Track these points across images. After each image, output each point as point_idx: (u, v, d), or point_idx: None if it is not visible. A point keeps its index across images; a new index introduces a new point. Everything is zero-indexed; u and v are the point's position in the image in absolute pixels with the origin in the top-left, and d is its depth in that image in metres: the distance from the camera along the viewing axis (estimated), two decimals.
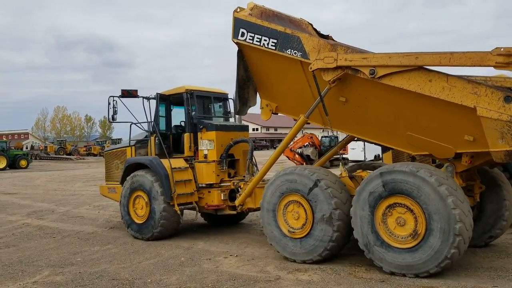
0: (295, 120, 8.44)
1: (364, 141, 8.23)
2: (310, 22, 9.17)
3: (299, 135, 37.25)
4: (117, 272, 7.18)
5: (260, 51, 7.97)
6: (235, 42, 8.34)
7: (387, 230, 6.54)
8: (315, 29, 9.15)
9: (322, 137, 37.75)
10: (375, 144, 8.24)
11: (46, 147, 71.89)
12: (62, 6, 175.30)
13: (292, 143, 36.20)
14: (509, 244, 8.28)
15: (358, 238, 6.76)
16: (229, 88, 10.75)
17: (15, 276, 7.11)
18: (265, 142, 79.00)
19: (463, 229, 5.97)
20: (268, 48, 7.78)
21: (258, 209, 9.32)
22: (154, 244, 9.25)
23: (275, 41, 7.67)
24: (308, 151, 33.23)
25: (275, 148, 66.96)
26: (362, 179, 7.34)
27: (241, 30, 8.12)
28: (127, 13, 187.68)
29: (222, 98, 11.16)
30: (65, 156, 64.79)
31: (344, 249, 7.47)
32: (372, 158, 37.71)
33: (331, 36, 9.06)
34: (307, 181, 7.34)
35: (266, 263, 7.39)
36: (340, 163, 8.19)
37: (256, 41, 7.92)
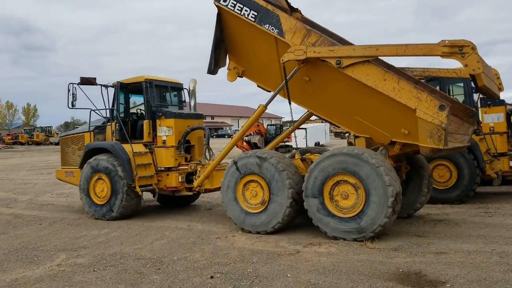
0: (259, 87, 9.27)
1: (319, 117, 9.19)
2: None
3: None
4: (136, 252, 7.30)
5: (238, 19, 8.48)
6: (216, 5, 8.73)
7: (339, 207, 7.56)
8: (286, 1, 9.83)
9: (268, 125, 38.60)
10: (328, 122, 9.22)
11: None
12: None
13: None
14: (481, 217, 9.34)
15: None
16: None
17: (33, 261, 7.00)
18: None
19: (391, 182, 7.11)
20: (247, 18, 8.34)
21: (214, 189, 10.38)
22: (151, 226, 9.37)
23: (256, 14, 8.25)
24: (255, 139, 34.01)
25: (213, 136, 67.33)
26: (312, 161, 8.35)
27: None
28: None
29: (177, 88, 11.80)
30: None
31: None
32: (313, 145, 39.27)
33: (299, 10, 9.82)
34: (252, 160, 8.41)
35: (277, 240, 7.83)
36: (297, 152, 9.16)
37: (238, 9, 8.43)
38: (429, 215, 9.64)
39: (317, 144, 41.02)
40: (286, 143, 35.52)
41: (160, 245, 7.75)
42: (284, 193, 7.97)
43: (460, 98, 11.43)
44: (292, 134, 30.93)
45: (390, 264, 6.21)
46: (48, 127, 71.68)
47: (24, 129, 75.50)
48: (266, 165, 8.21)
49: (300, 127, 43.20)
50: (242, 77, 9.37)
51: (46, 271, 6.40)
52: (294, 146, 37.41)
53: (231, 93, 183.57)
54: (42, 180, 20.10)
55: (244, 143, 33.08)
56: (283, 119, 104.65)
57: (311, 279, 5.71)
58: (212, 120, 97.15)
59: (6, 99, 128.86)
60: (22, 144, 65.52)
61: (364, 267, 6.11)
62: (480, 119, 11.46)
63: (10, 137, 69.14)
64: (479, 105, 11.49)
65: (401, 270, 5.95)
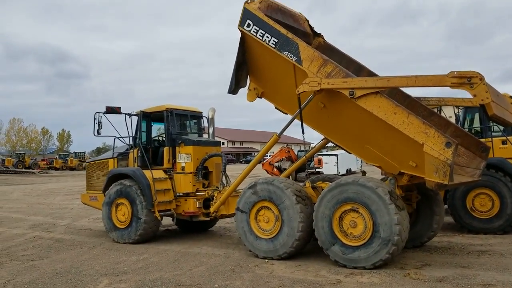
0: (277, 108, 9.54)
1: (332, 142, 9.43)
2: (307, 19, 10.21)
3: (276, 150, 38.13)
4: (176, 279, 7.34)
5: (260, 44, 8.73)
6: (240, 30, 9.00)
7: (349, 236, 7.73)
8: (310, 26, 10.22)
9: (298, 151, 38.57)
10: (340, 147, 9.32)
11: (3, 160, 69.13)
12: (11, 14, 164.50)
13: (270, 157, 36.99)
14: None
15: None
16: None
17: (77, 285, 7.14)
18: (231, 156, 79.07)
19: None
20: (268, 44, 8.58)
21: (230, 215, 10.41)
22: (188, 253, 9.42)
23: (276, 40, 8.49)
24: (286, 165, 33.66)
25: (241, 162, 67.79)
26: (322, 189, 8.41)
27: (248, 21, 8.83)
28: (80, 23, 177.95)
29: (197, 116, 12.28)
30: (24, 170, 62.44)
31: None
32: (344, 172, 38.93)
33: (322, 35, 10.20)
34: (248, 194, 8.91)
35: (316, 269, 7.74)
36: (308, 180, 9.35)
37: (260, 35, 8.68)
38: (472, 245, 9.38)
39: (348, 170, 40.65)
40: (317, 169, 35.36)
41: (199, 272, 7.78)
42: (285, 194, 8.33)
43: None
44: (323, 161, 31.13)
45: None
46: (82, 152, 73.52)
47: (59, 155, 77.56)
48: (258, 187, 8.74)
49: (331, 153, 42.52)
50: (261, 97, 9.67)
51: None
52: (325, 172, 37.35)
53: (260, 118, 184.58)
54: (78, 205, 20.45)
55: (275, 169, 33.01)
56: (311, 145, 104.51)
57: None
58: (241, 146, 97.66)
59: (41, 125, 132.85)
60: (56, 169, 67.20)
61: None
62: None
63: (45, 163, 71.07)
64: None
65: None
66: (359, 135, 8.12)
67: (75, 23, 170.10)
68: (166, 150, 11.16)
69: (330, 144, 10.84)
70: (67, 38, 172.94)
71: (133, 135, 11.31)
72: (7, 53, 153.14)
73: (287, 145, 40.21)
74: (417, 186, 8.54)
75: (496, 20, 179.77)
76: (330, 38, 10.17)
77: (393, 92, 9.11)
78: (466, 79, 6.83)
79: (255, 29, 8.70)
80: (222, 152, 12.00)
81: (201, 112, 12.34)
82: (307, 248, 8.76)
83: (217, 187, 11.05)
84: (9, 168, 62.01)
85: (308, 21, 10.18)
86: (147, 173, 10.57)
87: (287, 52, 8.33)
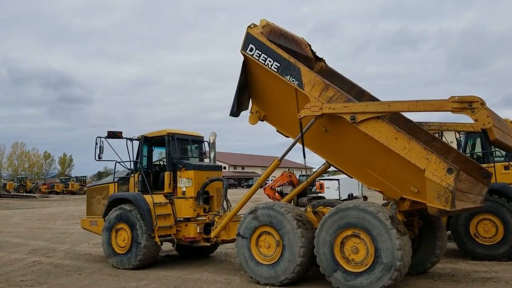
0: (278, 132, 9.53)
1: (333, 166, 9.39)
2: (309, 43, 10.28)
3: (278, 174, 38.02)
4: None
5: (262, 68, 8.79)
6: (242, 54, 9.07)
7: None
8: (312, 51, 10.31)
9: (300, 175, 38.42)
10: (341, 171, 9.24)
11: (5, 184, 69.06)
12: (16, 40, 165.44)
13: (272, 181, 36.89)
14: None
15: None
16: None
17: None
18: (233, 181, 78.89)
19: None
20: (270, 68, 8.64)
21: (231, 240, 10.28)
22: (188, 279, 9.30)
23: (278, 65, 8.55)
24: (287, 189, 33.59)
25: (243, 187, 67.09)
26: (324, 214, 8.35)
27: (251, 45, 8.90)
28: (84, 49, 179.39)
29: (198, 140, 12.28)
30: (25, 194, 62.27)
31: None
32: (346, 197, 38.74)
33: (324, 60, 10.27)
34: (248, 219, 8.88)
35: None
36: (309, 204, 9.30)
37: (262, 59, 8.74)
38: (476, 272, 9.24)
39: (350, 195, 40.48)
40: (319, 194, 35.20)
41: None
42: (286, 219, 8.26)
43: None
44: (324, 185, 31.14)
45: None
46: (83, 176, 73.43)
47: (60, 179, 77.46)
48: (259, 212, 8.69)
49: (333, 178, 42.26)
50: (263, 121, 9.69)
51: None
52: (326, 197, 37.17)
53: (263, 143, 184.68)
54: (78, 229, 20.28)
55: (276, 194, 32.92)
56: (313, 169, 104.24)
57: None
58: (243, 170, 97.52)
59: (43, 149, 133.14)
60: (57, 193, 66.93)
61: None
62: None
63: (46, 187, 70.89)
64: None
65: None
66: (360, 160, 8.11)
67: (79, 48, 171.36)
68: (167, 174, 11.15)
69: (332, 169, 10.83)
70: (71, 63, 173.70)
71: (134, 159, 11.31)
72: (12, 78, 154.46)
73: (288, 169, 40.21)
74: (419, 211, 8.48)
75: (497, 46, 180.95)
76: (331, 63, 10.26)
77: (394, 117, 9.12)
78: (467, 104, 6.83)
79: (257, 53, 8.78)
80: (223, 176, 11.97)
81: (202, 137, 12.38)
82: (309, 274, 8.65)
83: (218, 212, 11.01)
84: (10, 192, 61.93)
85: (310, 45, 10.30)
86: (148, 197, 10.53)
87: (289, 76, 8.40)
